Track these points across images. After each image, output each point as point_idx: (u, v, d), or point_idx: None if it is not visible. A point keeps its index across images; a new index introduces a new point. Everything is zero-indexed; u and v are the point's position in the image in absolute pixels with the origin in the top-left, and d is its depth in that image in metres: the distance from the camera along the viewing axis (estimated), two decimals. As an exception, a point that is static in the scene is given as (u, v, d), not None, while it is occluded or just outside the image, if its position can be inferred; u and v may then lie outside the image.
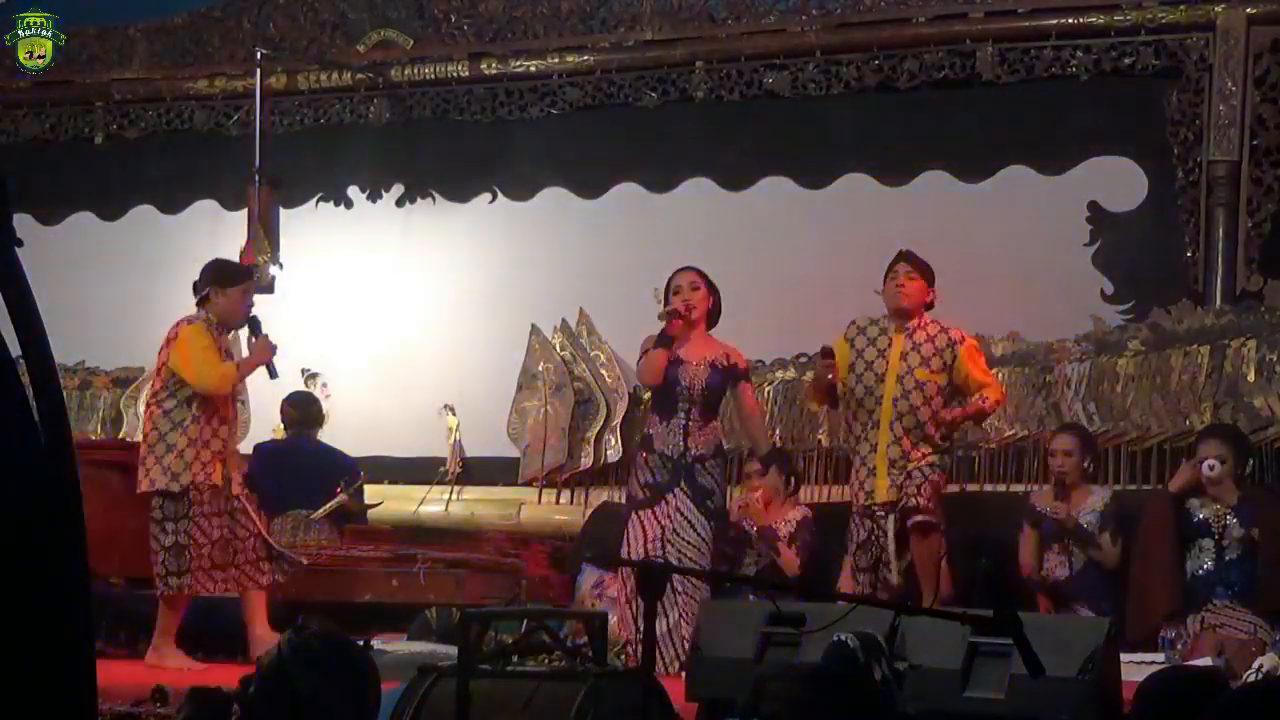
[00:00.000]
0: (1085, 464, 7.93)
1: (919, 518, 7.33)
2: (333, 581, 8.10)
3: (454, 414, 9.96)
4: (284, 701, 3.18)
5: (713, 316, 7.54)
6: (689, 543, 7.26)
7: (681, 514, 7.32)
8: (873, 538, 7.45)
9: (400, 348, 10.31)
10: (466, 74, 10.32)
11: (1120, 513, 7.82)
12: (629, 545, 7.29)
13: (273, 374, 7.62)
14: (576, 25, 10.14)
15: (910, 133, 9.47)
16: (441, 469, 9.92)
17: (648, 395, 8.36)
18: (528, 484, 9.80)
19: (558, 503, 9.72)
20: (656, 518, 7.31)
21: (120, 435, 10.59)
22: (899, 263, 7.50)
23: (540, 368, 9.93)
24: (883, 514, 7.42)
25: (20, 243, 1.68)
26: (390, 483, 9.79)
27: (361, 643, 4.61)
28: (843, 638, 4.73)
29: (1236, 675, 6.93)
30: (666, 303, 7.49)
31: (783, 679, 3.15)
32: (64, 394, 1.71)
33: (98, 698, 1.68)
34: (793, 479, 8.51)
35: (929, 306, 7.53)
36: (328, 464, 9.26)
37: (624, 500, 7.74)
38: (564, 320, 9.95)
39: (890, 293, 7.48)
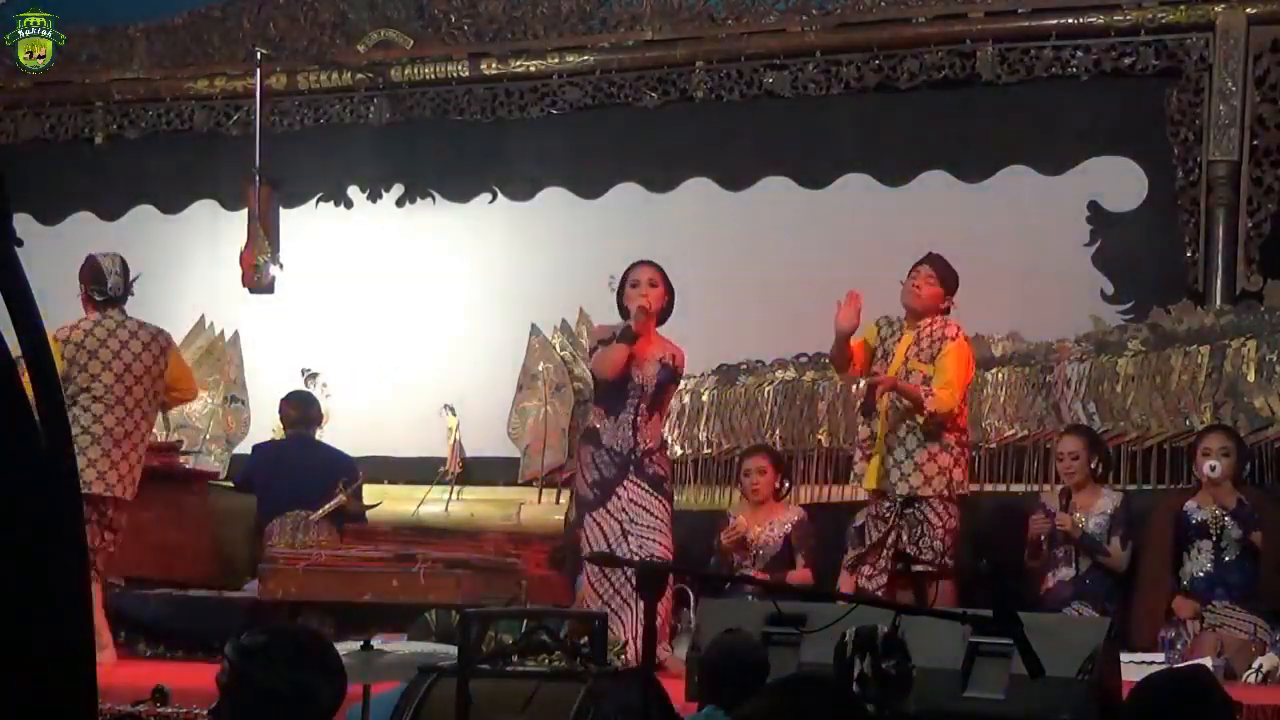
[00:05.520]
0: (1093, 465, 7.92)
1: (920, 567, 7.32)
2: (333, 581, 8.10)
3: (454, 414, 9.95)
4: (262, 704, 3.19)
5: (664, 315, 7.53)
6: (649, 527, 7.25)
7: (635, 503, 7.31)
8: (885, 538, 7.42)
9: (400, 348, 10.31)
10: (466, 74, 10.32)
11: (1130, 517, 7.82)
12: (589, 548, 7.24)
13: None
14: (576, 25, 10.13)
15: (910, 133, 9.46)
16: (441, 469, 9.91)
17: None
18: (528, 484, 9.80)
19: (558, 503, 9.71)
20: (611, 513, 7.30)
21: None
22: (922, 264, 7.50)
23: (540, 368, 9.93)
24: (889, 509, 7.42)
25: (20, 243, 1.67)
26: (390, 483, 9.79)
27: (361, 643, 4.60)
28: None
29: (1236, 675, 6.95)
30: (621, 293, 7.47)
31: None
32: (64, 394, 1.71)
33: (98, 698, 1.68)
34: (786, 481, 8.52)
35: (944, 312, 7.52)
36: (327, 464, 9.25)
37: (573, 503, 7.68)
38: (564, 320, 9.95)
39: (906, 290, 7.50)
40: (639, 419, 7.38)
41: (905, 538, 7.35)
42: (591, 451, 7.41)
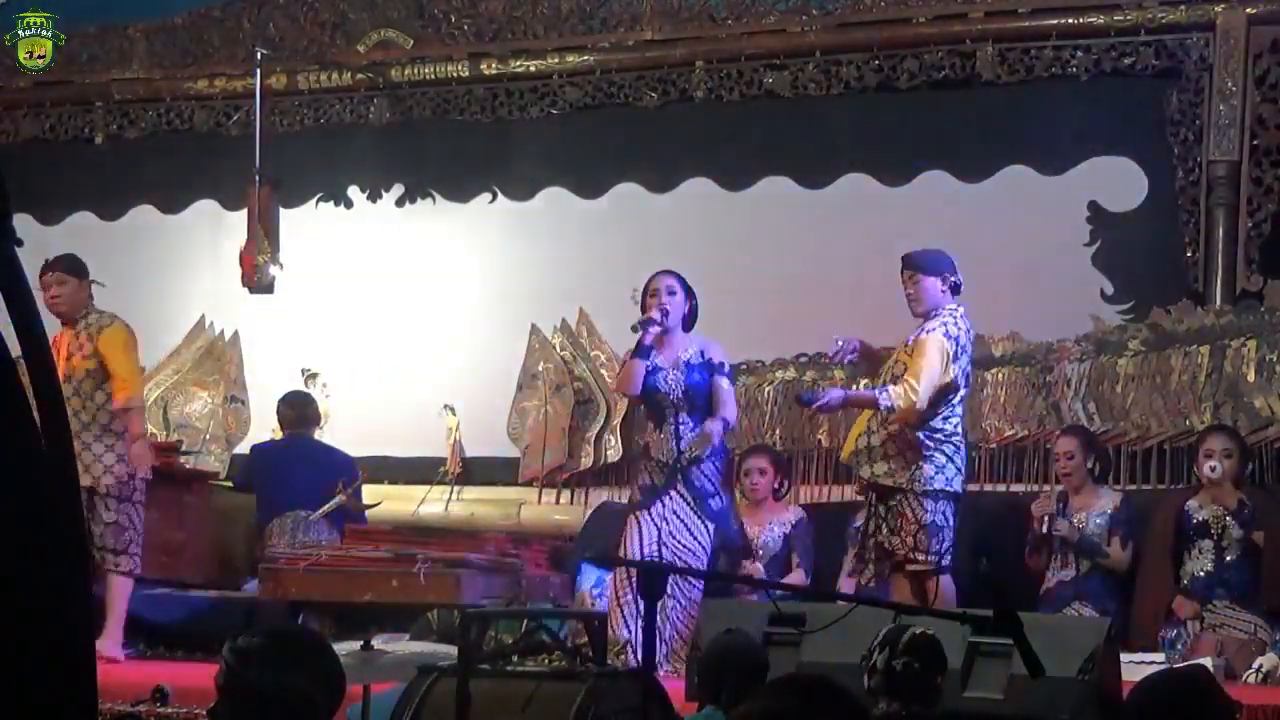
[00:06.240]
0: (1090, 464, 7.91)
1: (912, 567, 7.25)
2: (333, 581, 8.09)
3: (454, 414, 9.95)
4: (259, 705, 3.19)
5: (690, 320, 7.52)
6: (685, 547, 7.26)
7: (678, 516, 7.32)
8: (866, 529, 7.41)
9: (400, 348, 10.31)
10: (466, 74, 10.32)
11: (1130, 516, 7.82)
12: (626, 546, 7.30)
13: None
14: (576, 25, 10.13)
15: (910, 133, 9.46)
16: (441, 469, 9.92)
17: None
18: (528, 484, 9.81)
19: (558, 503, 9.72)
20: (653, 519, 7.32)
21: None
22: (901, 271, 7.38)
23: (540, 368, 9.93)
24: (868, 501, 7.39)
25: (20, 243, 1.67)
26: (390, 483, 9.79)
27: (361, 644, 4.60)
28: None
29: (1236, 675, 6.95)
30: (644, 306, 7.49)
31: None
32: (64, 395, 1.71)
33: (98, 698, 1.68)
34: (786, 481, 8.52)
35: (956, 291, 7.34)
36: (326, 464, 9.25)
37: (627, 504, 7.78)
38: (564, 320, 9.95)
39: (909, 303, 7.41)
40: (681, 428, 7.39)
41: (885, 530, 7.29)
42: (642, 462, 7.57)
